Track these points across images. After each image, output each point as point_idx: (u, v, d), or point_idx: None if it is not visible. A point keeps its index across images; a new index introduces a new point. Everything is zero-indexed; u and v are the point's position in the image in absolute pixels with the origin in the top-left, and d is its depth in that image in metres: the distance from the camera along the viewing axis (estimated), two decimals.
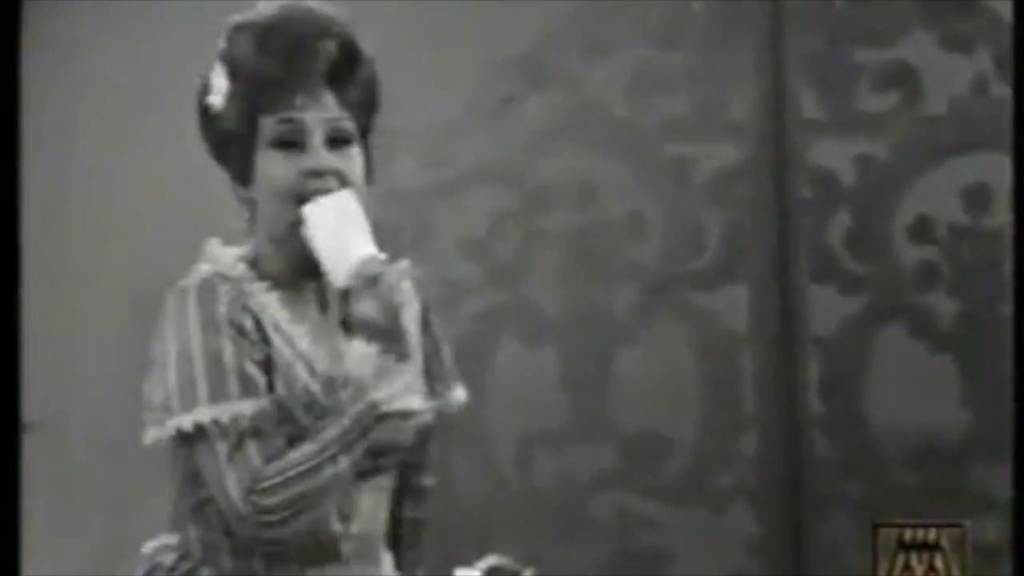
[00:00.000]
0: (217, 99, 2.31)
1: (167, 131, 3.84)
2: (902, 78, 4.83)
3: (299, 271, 2.31)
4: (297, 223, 2.28)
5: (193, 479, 2.27)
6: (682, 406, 4.84)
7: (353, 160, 2.32)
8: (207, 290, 2.24)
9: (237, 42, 2.29)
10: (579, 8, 4.88)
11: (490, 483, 4.88)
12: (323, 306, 2.34)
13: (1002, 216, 4.68)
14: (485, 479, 4.89)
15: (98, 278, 4.60)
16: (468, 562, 3.08)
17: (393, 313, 2.23)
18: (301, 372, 2.27)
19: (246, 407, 2.22)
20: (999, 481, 4.45)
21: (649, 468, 4.86)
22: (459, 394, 2.37)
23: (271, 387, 2.24)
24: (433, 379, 2.39)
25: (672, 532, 4.84)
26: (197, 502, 2.28)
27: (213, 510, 2.25)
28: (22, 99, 4.39)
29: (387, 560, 2.38)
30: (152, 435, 2.26)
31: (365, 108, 2.33)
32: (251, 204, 2.32)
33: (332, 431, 2.22)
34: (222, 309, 2.24)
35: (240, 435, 2.21)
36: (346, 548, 2.30)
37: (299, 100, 2.28)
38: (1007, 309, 4.64)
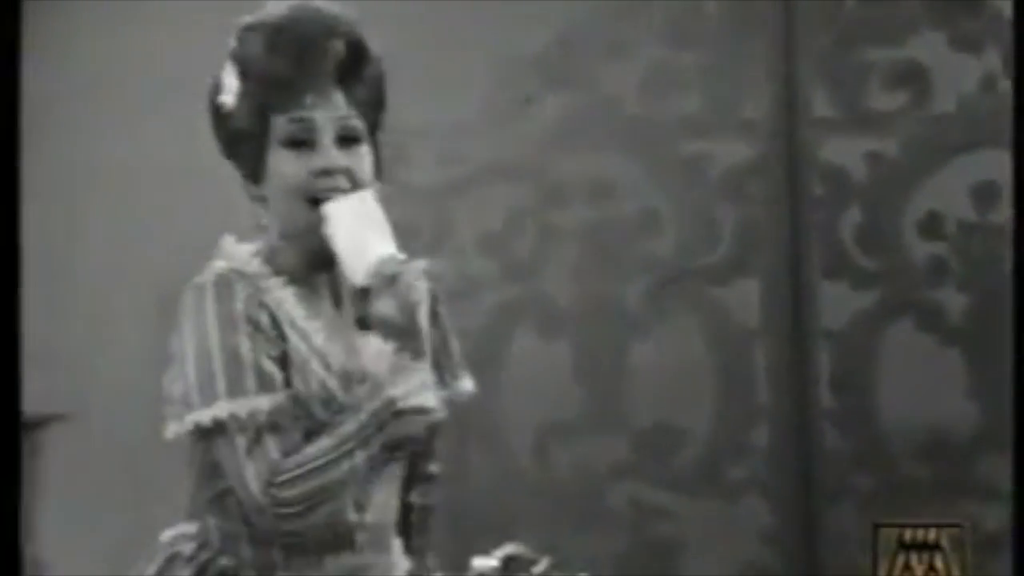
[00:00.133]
0: (228, 98, 2.31)
1: (168, 129, 3.84)
2: (912, 77, 4.82)
3: (312, 266, 2.31)
4: (308, 220, 2.27)
5: (211, 471, 2.27)
6: (695, 398, 4.84)
7: (362, 158, 2.31)
8: (224, 287, 2.24)
9: (248, 42, 2.29)
10: (594, 8, 4.88)
11: (506, 474, 4.89)
12: (337, 301, 2.34)
13: (1010, 212, 4.67)
14: (502, 470, 4.89)
15: (122, 274, 4.60)
16: (485, 551, 3.08)
17: (411, 312, 2.23)
18: (317, 367, 2.27)
19: (264, 402, 2.22)
20: (1006, 473, 4.42)
21: (663, 459, 4.86)
22: (466, 384, 2.36)
23: (287, 382, 2.24)
24: (441, 370, 2.38)
25: (685, 522, 4.84)
26: (215, 493, 2.28)
27: (231, 501, 2.26)
28: (22, 99, 4.39)
29: (397, 547, 2.38)
30: (172, 429, 2.26)
31: (373, 106, 2.33)
32: (263, 201, 2.31)
33: (349, 426, 2.22)
34: (239, 306, 2.24)
35: (258, 429, 2.21)
36: (361, 537, 2.30)
37: (309, 99, 2.27)
38: None
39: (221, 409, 2.21)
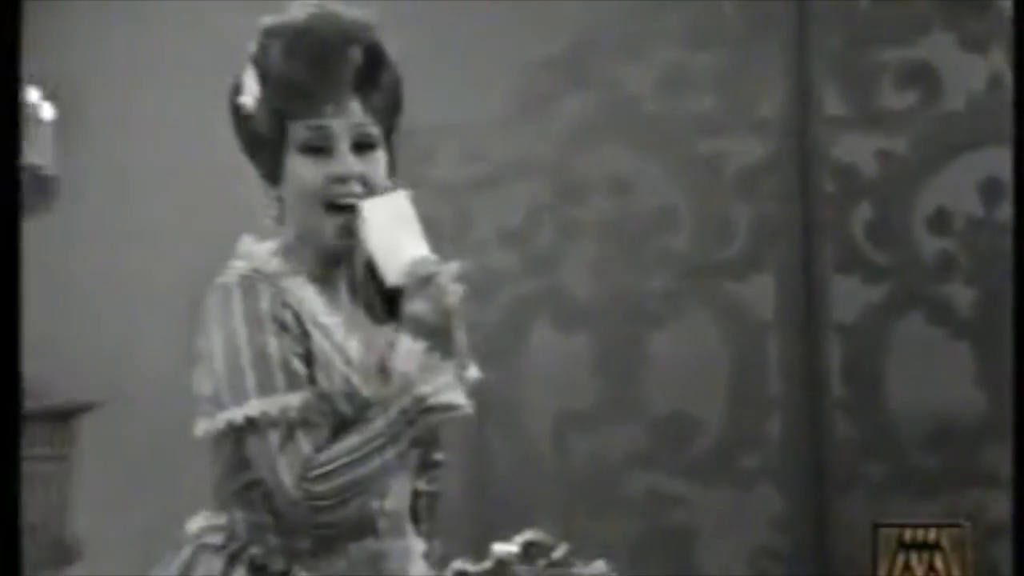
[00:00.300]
0: (248, 100, 2.31)
1: (198, 127, 3.84)
2: (922, 76, 4.81)
3: (328, 264, 2.32)
4: (324, 224, 2.28)
5: (236, 465, 2.28)
6: (710, 389, 4.84)
7: (377, 164, 2.31)
8: (249, 287, 2.25)
9: (268, 46, 2.29)
10: (613, 11, 4.87)
11: (526, 462, 4.89)
12: (353, 296, 2.34)
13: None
14: (521, 458, 4.90)
15: (156, 273, 4.62)
16: (506, 537, 3.09)
17: (445, 313, 2.24)
18: (339, 363, 2.27)
19: (293, 399, 2.22)
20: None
21: (678, 448, 4.86)
22: (472, 372, 2.35)
23: (312, 379, 2.25)
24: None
25: (700, 509, 4.84)
26: (241, 486, 2.29)
27: (257, 493, 2.27)
28: (25, 97, 4.40)
29: (411, 531, 2.38)
30: (202, 427, 2.27)
31: (389, 111, 2.33)
32: (280, 202, 2.32)
33: (379, 423, 2.22)
34: (264, 305, 2.24)
35: (290, 426, 2.22)
36: (382, 523, 2.32)
37: (327, 108, 2.27)
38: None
39: (252, 407, 2.21)
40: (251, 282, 2.25)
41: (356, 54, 2.28)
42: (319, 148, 2.29)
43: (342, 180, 2.29)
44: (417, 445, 2.27)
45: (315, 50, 2.27)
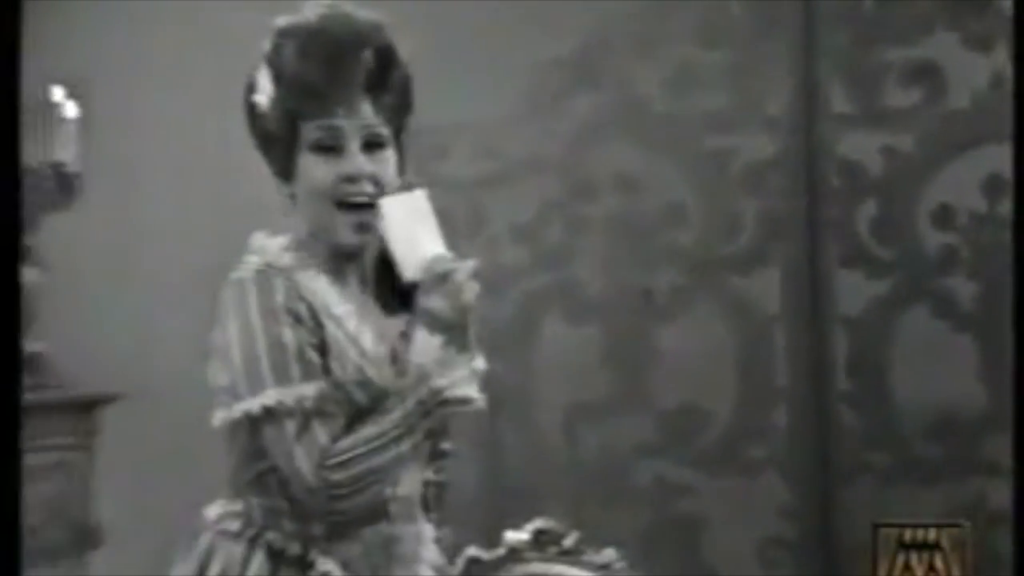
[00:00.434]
0: (262, 98, 2.32)
1: (222, 126, 3.85)
2: (926, 75, 4.80)
3: (339, 258, 2.34)
4: (334, 221, 2.30)
5: (254, 453, 2.29)
6: (718, 381, 4.84)
7: (387, 163, 2.33)
8: (264, 281, 2.27)
9: (282, 47, 2.30)
10: (624, 11, 4.87)
11: (537, 452, 4.90)
12: (364, 287, 2.35)
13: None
14: (533, 449, 4.90)
15: (177, 269, 4.64)
16: (517, 525, 3.10)
17: (462, 309, 2.25)
18: (352, 353, 2.29)
19: (309, 389, 2.24)
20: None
21: (686, 439, 4.86)
22: (479, 364, 2.35)
23: (327, 369, 2.26)
24: None
25: (708, 499, 4.84)
26: (257, 473, 2.30)
27: (272, 480, 2.28)
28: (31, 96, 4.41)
29: (422, 517, 2.40)
30: (219, 417, 2.29)
31: (400, 111, 2.34)
32: (292, 198, 2.33)
33: (396, 414, 2.25)
34: (279, 298, 2.26)
35: (306, 415, 2.24)
36: (394, 509, 2.34)
37: (339, 109, 2.28)
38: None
39: (269, 397, 2.23)
40: (265, 276, 2.27)
41: (368, 56, 2.29)
42: (330, 147, 2.30)
43: (352, 179, 2.30)
44: (430, 436, 2.28)
45: (328, 52, 2.28)
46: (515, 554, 3.10)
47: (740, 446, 4.85)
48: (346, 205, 2.30)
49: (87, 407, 4.60)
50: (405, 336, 2.29)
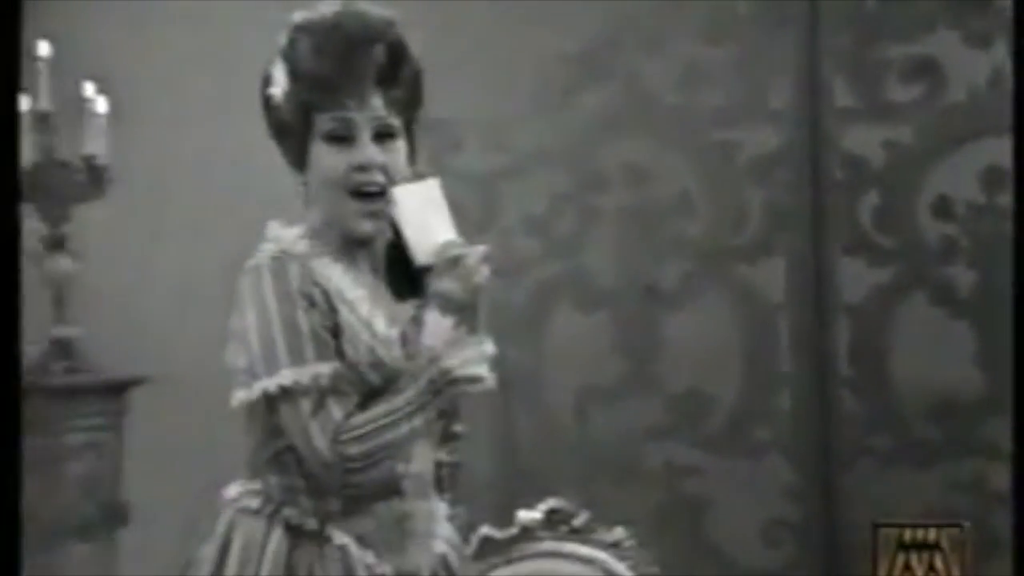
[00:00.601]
0: (277, 91, 2.35)
1: (242, 120, 3.87)
2: (926, 71, 4.80)
3: (352, 244, 2.36)
4: (347, 209, 2.33)
5: (270, 433, 2.32)
6: (724, 366, 4.84)
7: (397, 153, 2.35)
8: (279, 267, 2.29)
9: (297, 42, 2.32)
10: (633, 8, 4.87)
11: (550, 435, 4.90)
12: (375, 273, 2.38)
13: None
14: (546, 431, 4.91)
15: (201, 256, 4.65)
16: (530, 505, 3.12)
17: (473, 291, 2.27)
18: (365, 335, 2.31)
19: (324, 368, 2.27)
20: (1009, 434, 4.41)
21: (694, 422, 4.87)
22: (489, 348, 2.38)
23: (340, 351, 2.28)
24: None
25: (714, 479, 4.84)
26: (274, 452, 2.33)
27: (290, 458, 2.31)
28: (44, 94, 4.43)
29: (434, 496, 2.42)
30: (238, 397, 2.31)
31: (409, 104, 2.36)
32: (306, 187, 2.35)
33: (409, 392, 2.27)
34: (294, 283, 2.29)
35: (321, 393, 2.26)
36: (407, 486, 2.36)
37: (350, 101, 2.30)
38: None
39: (285, 377, 2.26)
40: (281, 262, 2.29)
41: (379, 51, 2.31)
42: (342, 138, 2.33)
43: (363, 169, 2.32)
44: (442, 415, 2.30)
45: (341, 47, 2.30)
46: (528, 533, 3.11)
47: (745, 429, 4.85)
48: (358, 194, 2.32)
49: (117, 390, 4.63)
50: (416, 320, 2.32)
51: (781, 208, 4.86)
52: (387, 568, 2.33)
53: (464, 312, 2.28)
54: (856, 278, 4.82)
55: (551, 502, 3.14)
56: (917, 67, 4.80)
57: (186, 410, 4.53)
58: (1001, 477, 4.53)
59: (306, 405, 2.25)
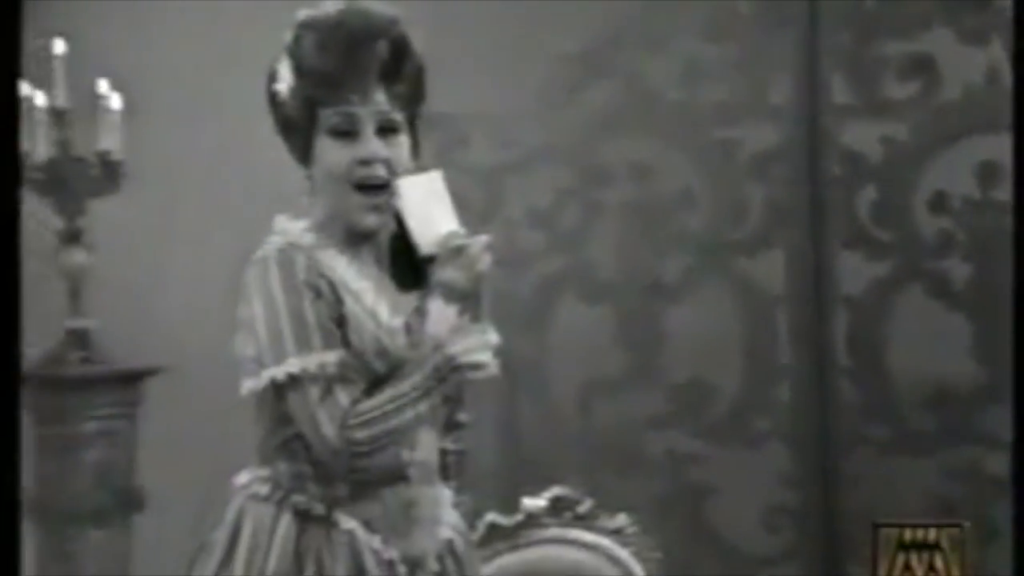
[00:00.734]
0: (283, 87, 2.36)
1: (252, 116, 3.87)
2: (923, 68, 4.79)
3: (356, 237, 2.37)
4: (351, 202, 2.34)
5: (279, 421, 2.33)
6: (725, 358, 4.84)
7: (400, 148, 2.36)
8: (286, 259, 2.30)
9: (302, 39, 2.33)
10: (636, 7, 4.87)
11: (554, 424, 4.90)
12: (379, 265, 2.38)
13: (1010, 191, 4.65)
14: (550, 421, 4.91)
15: (213, 249, 4.65)
16: (535, 492, 3.12)
17: (476, 280, 2.28)
18: (370, 325, 2.32)
19: (330, 356, 2.28)
20: (1004, 423, 4.41)
21: (695, 412, 4.87)
22: (493, 337, 2.38)
23: (346, 340, 2.29)
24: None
25: (715, 468, 4.84)
26: (283, 440, 2.34)
27: (298, 446, 2.32)
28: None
29: (439, 483, 2.43)
30: (247, 386, 2.32)
31: (412, 99, 2.37)
32: (311, 180, 2.36)
33: (414, 378, 2.28)
34: (301, 275, 2.30)
35: (328, 380, 2.27)
36: (412, 472, 2.38)
37: (354, 96, 2.31)
38: None
39: (293, 365, 2.27)
40: (287, 254, 2.30)
41: (382, 47, 2.32)
42: (346, 132, 2.34)
43: (367, 162, 2.34)
44: (446, 402, 2.31)
45: (345, 43, 2.31)
46: (533, 520, 3.12)
47: (746, 418, 4.85)
48: (362, 187, 2.33)
49: (131, 380, 4.64)
50: (419, 311, 2.32)
51: (781, 203, 4.86)
52: (394, 553, 2.34)
53: (467, 300, 2.29)
54: (854, 271, 4.81)
55: (555, 490, 3.15)
56: (914, 65, 4.80)
57: (198, 400, 4.53)
58: (996, 465, 4.54)
59: (313, 393, 2.26)
